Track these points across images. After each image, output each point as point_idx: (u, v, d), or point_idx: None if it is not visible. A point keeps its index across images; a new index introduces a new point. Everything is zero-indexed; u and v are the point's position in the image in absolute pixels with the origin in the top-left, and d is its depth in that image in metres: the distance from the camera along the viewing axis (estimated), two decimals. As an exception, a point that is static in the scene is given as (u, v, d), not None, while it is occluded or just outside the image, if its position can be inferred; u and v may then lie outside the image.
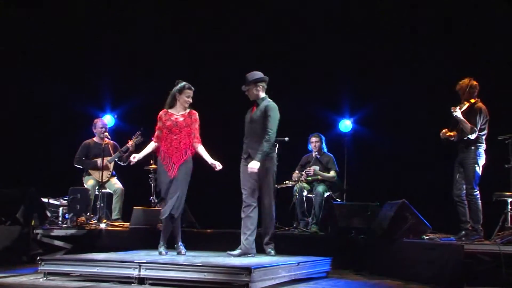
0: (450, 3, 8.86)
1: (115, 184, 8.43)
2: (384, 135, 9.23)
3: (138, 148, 7.87)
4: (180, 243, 6.27)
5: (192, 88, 6.28)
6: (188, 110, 6.29)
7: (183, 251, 6.22)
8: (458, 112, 6.41)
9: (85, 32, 10.04)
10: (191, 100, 6.28)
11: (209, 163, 6.24)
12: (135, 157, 6.40)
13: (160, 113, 6.31)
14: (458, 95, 6.67)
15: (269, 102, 6.22)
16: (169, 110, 6.30)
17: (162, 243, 6.16)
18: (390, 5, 9.18)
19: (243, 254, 6.00)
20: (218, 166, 6.23)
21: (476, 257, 5.52)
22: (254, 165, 6.01)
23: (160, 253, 6.05)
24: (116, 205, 8.37)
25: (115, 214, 8.34)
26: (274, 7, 9.78)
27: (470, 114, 6.46)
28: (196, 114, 6.29)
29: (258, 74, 6.28)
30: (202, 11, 9.96)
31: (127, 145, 8.30)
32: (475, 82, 6.61)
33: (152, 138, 6.36)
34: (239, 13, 9.83)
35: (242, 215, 6.12)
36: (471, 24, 8.70)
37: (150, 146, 6.37)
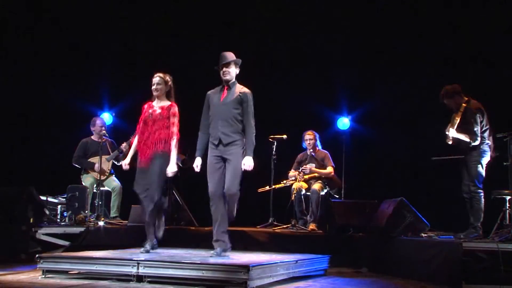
0: (449, 3, 8.88)
1: (113, 182, 8.44)
2: (382, 133, 9.24)
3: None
4: (150, 241, 6.05)
5: (157, 75, 6.05)
6: (169, 103, 6.09)
7: (146, 248, 5.98)
8: (451, 132, 6.37)
9: (83, 30, 10.01)
10: (156, 88, 6.03)
11: (170, 163, 5.94)
12: (126, 164, 6.24)
13: (145, 105, 6.19)
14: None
15: (243, 88, 5.88)
16: (152, 102, 6.15)
17: (148, 239, 6.03)
18: (389, 4, 9.19)
19: (224, 250, 5.76)
20: (170, 173, 5.95)
21: (475, 255, 5.54)
22: (249, 162, 5.69)
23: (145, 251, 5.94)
24: (114, 203, 8.37)
25: (113, 212, 8.35)
26: (273, 4, 9.78)
27: (465, 121, 6.39)
28: (175, 107, 6.05)
29: (234, 55, 5.94)
30: (200, 9, 9.96)
31: (121, 146, 8.29)
32: (449, 87, 6.57)
33: (136, 132, 6.21)
34: (237, 10, 9.82)
35: (221, 210, 5.76)
36: (470, 22, 8.70)
37: (136, 140, 6.22)
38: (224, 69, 5.87)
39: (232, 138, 5.76)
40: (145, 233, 6.13)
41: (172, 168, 5.95)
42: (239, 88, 5.89)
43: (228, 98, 5.84)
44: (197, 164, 5.92)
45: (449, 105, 6.59)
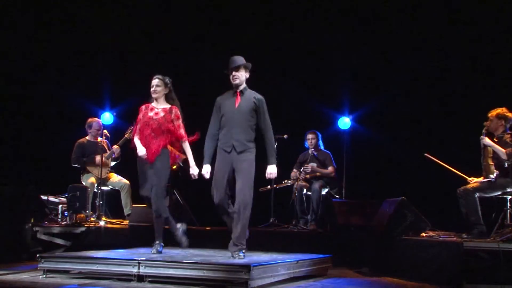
0: (450, 4, 8.88)
1: (120, 180, 8.44)
2: (383, 132, 9.24)
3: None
4: (157, 241, 6.02)
5: (156, 77, 6.05)
6: (169, 106, 6.07)
7: (155, 249, 5.95)
8: (485, 140, 6.37)
9: (84, 30, 10.04)
10: (155, 89, 6.01)
11: (190, 166, 5.97)
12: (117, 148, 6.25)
13: (142, 106, 6.16)
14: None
15: (256, 94, 5.81)
16: (151, 104, 6.11)
17: (157, 241, 6.03)
18: (392, 3, 9.18)
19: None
20: (194, 176, 5.94)
21: (476, 254, 5.55)
22: (273, 170, 5.75)
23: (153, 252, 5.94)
24: (126, 200, 8.35)
25: (127, 210, 8.32)
26: (273, 2, 9.77)
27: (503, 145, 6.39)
28: (176, 109, 6.02)
29: (243, 59, 5.84)
30: (201, 8, 9.95)
31: (112, 149, 8.34)
32: (502, 110, 6.54)
33: (134, 134, 6.14)
34: (238, 10, 9.79)
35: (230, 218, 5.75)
36: (473, 21, 8.70)
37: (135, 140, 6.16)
38: (234, 73, 5.76)
39: (246, 146, 5.68)
40: (150, 232, 6.14)
41: (194, 171, 5.95)
42: (252, 94, 5.80)
43: (243, 105, 5.73)
44: (207, 171, 5.82)
45: (489, 126, 6.55)
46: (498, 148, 6.34)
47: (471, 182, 6.51)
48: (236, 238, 5.66)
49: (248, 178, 5.67)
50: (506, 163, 6.26)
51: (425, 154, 7.02)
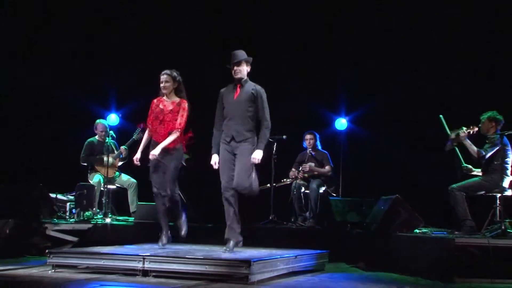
0: (449, 3, 8.96)
1: (128, 179, 8.61)
2: (378, 133, 9.33)
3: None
4: (181, 219, 6.29)
5: (165, 73, 6.18)
6: (178, 99, 6.21)
7: (182, 231, 6.25)
8: (463, 132, 6.59)
9: (91, 31, 10.11)
10: (164, 85, 6.16)
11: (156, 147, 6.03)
12: (137, 159, 6.31)
13: (154, 99, 6.31)
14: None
15: (256, 85, 5.93)
16: (163, 97, 6.26)
17: (164, 231, 6.22)
18: (389, 5, 9.26)
19: (236, 244, 5.89)
20: (151, 155, 6.01)
21: (466, 250, 5.65)
22: (258, 155, 5.72)
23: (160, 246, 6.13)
24: (133, 198, 8.52)
25: (133, 207, 8.47)
26: (272, 3, 9.84)
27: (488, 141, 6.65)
28: (185, 103, 6.16)
29: (245, 53, 5.97)
30: (203, 9, 10.06)
31: (120, 150, 8.53)
32: (494, 116, 6.75)
33: (147, 126, 6.31)
34: (238, 11, 9.87)
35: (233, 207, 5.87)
36: (470, 21, 8.78)
37: (145, 135, 6.34)
38: (235, 68, 5.89)
39: (245, 136, 5.81)
40: (154, 228, 6.31)
41: (155, 151, 6.01)
42: (252, 86, 5.91)
43: (242, 96, 5.87)
44: (215, 161, 5.93)
45: (482, 127, 6.75)
46: (471, 147, 6.60)
47: (464, 170, 6.76)
48: (227, 231, 5.89)
49: (244, 166, 5.76)
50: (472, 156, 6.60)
51: (440, 115, 7.02)
